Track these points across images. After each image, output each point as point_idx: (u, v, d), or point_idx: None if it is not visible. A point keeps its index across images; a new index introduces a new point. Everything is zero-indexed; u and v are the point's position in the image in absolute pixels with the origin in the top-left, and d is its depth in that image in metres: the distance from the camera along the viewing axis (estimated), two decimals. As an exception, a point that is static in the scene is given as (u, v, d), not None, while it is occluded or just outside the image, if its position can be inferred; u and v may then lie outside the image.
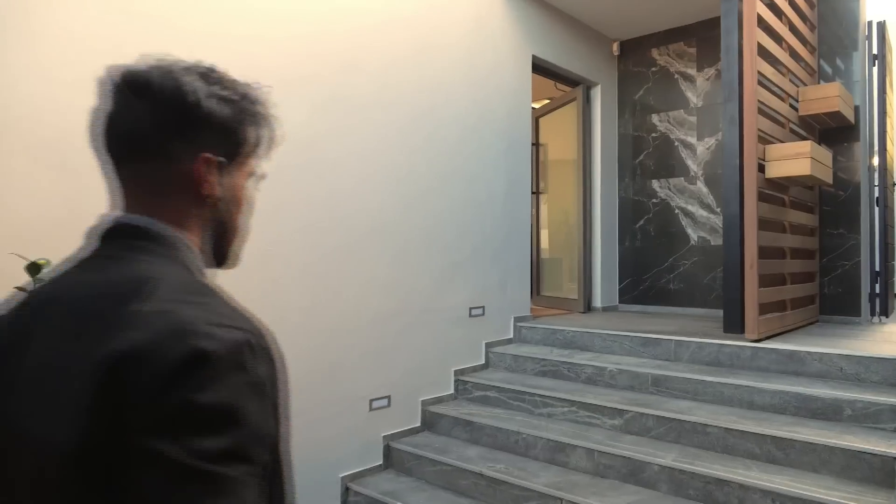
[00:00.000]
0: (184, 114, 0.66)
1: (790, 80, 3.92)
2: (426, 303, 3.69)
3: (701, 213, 5.08)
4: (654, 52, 5.39)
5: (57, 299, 0.64)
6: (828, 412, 2.76)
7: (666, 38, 5.33)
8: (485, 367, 4.09)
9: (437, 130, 3.77)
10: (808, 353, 3.10)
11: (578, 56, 5.08)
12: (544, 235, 5.68)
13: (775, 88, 3.75)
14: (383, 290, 3.43)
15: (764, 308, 3.40)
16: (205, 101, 0.66)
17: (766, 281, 3.44)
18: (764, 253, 3.41)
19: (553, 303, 5.47)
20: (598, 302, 5.31)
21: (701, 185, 5.10)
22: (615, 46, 5.51)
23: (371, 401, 3.37)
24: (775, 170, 3.39)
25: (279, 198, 2.92)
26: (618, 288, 5.53)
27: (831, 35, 4.48)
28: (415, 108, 3.63)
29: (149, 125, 0.65)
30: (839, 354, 3.01)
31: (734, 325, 3.62)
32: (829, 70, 4.55)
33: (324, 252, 3.13)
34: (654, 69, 5.40)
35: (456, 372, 3.87)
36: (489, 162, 4.17)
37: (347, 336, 3.25)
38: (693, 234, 5.12)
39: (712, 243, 5.00)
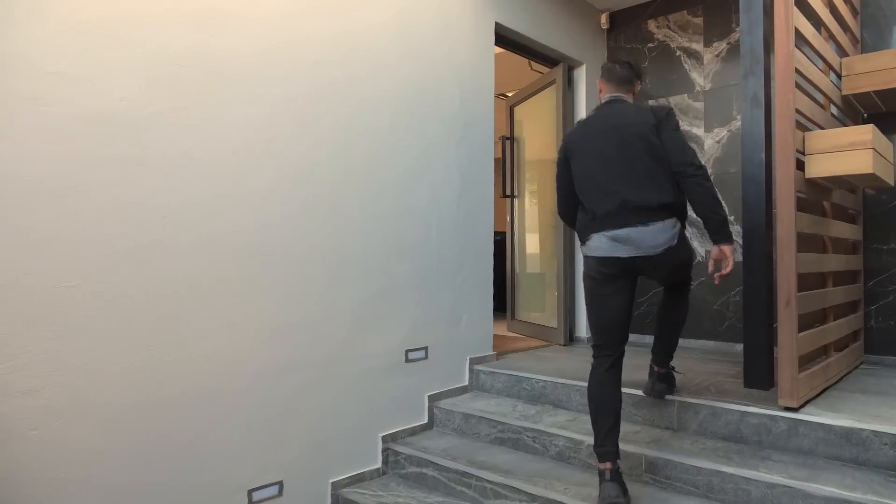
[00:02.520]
0: (637, 73, 2.40)
1: (830, 48, 2.95)
2: (338, 349, 2.71)
3: (709, 221, 4.09)
4: (652, 25, 4.41)
5: (617, 109, 2.28)
6: (918, 543, 1.79)
7: (665, 6, 4.35)
8: (428, 426, 3.12)
9: (356, 113, 2.79)
10: (874, 433, 2.12)
11: (558, 28, 4.10)
12: (532, 242, 4.67)
13: (815, 57, 2.78)
14: (270, 337, 2.46)
15: (804, 359, 2.43)
16: (639, 69, 2.44)
17: (804, 321, 2.47)
18: (803, 283, 2.44)
19: (531, 330, 4.49)
20: (582, 331, 4.32)
21: (709, 187, 4.11)
22: (604, 18, 4.53)
23: (251, 491, 2.40)
24: (820, 166, 2.42)
25: (88, 207, 1.95)
26: (607, 311, 4.53)
27: (874, -2, 3.51)
28: (322, 82, 2.65)
29: (630, 75, 2.37)
30: (923, 439, 2.04)
31: (759, 378, 2.65)
32: (869, 41, 3.59)
33: (168, 286, 2.15)
34: (650, 45, 4.42)
35: (385, 438, 2.90)
36: (435, 156, 3.19)
37: (213, 404, 2.28)
38: (700, 249, 4.14)
39: (723, 259, 4.01)
